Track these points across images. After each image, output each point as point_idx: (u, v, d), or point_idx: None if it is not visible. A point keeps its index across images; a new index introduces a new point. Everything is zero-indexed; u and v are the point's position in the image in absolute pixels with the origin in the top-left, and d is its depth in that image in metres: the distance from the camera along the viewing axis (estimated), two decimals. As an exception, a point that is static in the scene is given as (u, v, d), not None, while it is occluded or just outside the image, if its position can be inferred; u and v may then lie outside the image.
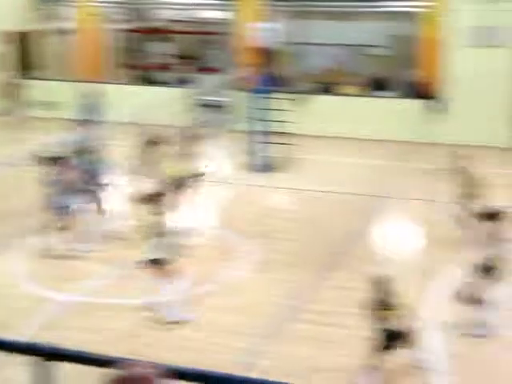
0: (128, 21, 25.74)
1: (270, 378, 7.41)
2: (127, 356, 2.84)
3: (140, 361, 2.39)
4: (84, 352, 2.62)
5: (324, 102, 19.62)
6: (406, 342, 8.27)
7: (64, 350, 2.63)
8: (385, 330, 8.20)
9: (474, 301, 9.26)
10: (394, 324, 8.22)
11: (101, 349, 7.26)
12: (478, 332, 9.28)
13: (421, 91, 18.79)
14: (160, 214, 9.35)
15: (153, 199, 9.43)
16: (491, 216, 9.07)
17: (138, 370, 2.39)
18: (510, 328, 9.35)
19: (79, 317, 9.82)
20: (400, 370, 8.45)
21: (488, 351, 9.04)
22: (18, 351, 2.78)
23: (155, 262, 9.35)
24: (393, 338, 8.24)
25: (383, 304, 8.18)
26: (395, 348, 8.27)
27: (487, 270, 9.13)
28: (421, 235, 12.88)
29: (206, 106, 21.16)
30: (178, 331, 9.52)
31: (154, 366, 2.40)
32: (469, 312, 9.36)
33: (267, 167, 16.56)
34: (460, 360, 8.73)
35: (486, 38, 17.89)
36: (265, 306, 10.25)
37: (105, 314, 9.92)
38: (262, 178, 16.11)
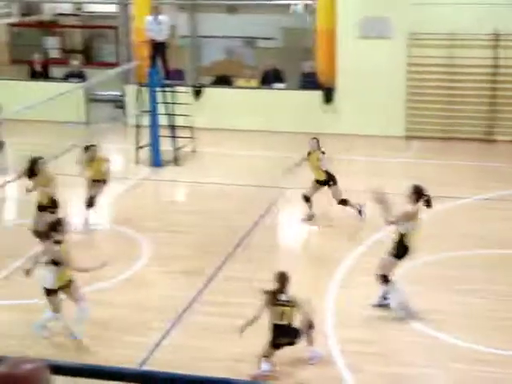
0: (16, 15, 25.05)
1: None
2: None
3: (23, 357, 2.32)
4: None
5: (219, 95, 19.62)
6: (298, 338, 8.36)
7: None
8: (277, 326, 8.30)
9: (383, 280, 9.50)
10: (289, 320, 8.33)
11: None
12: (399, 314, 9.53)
13: (314, 82, 19.06)
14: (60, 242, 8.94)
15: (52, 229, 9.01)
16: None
17: (22, 367, 2.30)
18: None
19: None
20: (294, 363, 8.57)
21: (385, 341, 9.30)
22: None
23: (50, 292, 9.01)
24: (284, 334, 8.35)
25: (278, 299, 8.28)
26: (286, 343, 8.38)
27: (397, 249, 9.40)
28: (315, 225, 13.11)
29: (98, 100, 20.82)
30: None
31: (39, 362, 2.33)
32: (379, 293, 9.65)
33: (164, 161, 16.45)
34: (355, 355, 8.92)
35: (375, 29, 18.30)
36: (163, 299, 10.20)
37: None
38: (159, 173, 16.00)
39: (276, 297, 8.28)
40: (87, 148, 12.98)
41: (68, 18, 24.78)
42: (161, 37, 16.89)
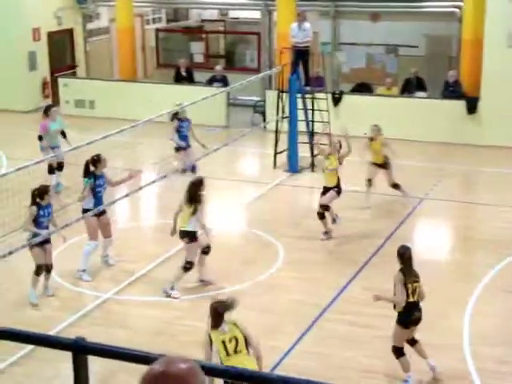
0: (164, 20, 25.92)
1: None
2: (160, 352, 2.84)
3: (177, 356, 2.36)
4: (120, 347, 2.62)
5: (358, 102, 19.48)
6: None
7: (99, 344, 2.63)
8: (409, 303, 8.23)
9: None
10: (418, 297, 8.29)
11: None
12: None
13: (458, 92, 18.59)
14: None
15: None
16: None
17: (177, 366, 2.34)
18: None
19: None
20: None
21: None
22: (56, 346, 2.80)
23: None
24: (416, 309, 8.28)
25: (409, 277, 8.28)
26: (418, 319, 8.31)
27: None
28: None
29: (239, 105, 21.17)
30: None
31: (192, 361, 2.36)
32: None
33: (302, 167, 16.50)
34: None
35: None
36: (296, 304, 10.22)
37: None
38: (296, 178, 16.06)
39: (406, 275, 8.29)
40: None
41: (213, 23, 25.39)
42: (304, 43, 16.97)
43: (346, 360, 8.77)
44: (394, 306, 8.40)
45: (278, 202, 14.90)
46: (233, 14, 25.06)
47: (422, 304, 8.32)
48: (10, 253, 9.30)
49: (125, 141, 16.12)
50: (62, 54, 23.13)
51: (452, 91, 18.74)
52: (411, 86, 19.61)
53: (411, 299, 8.26)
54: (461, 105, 18.40)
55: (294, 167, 16.43)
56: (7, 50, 21.56)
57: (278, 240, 12.49)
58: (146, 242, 12.87)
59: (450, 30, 20.20)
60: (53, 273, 10.70)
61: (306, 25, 17.16)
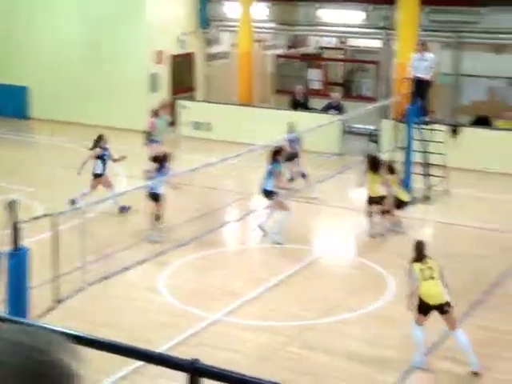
0: (283, 47, 26.20)
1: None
2: (268, 378, 2.82)
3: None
4: (237, 373, 2.63)
5: (477, 135, 19.01)
6: None
7: (216, 368, 2.64)
8: None
9: None
10: None
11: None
12: None
13: None
14: None
15: None
16: None
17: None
18: None
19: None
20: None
21: None
22: (172, 366, 2.82)
23: None
24: None
25: None
26: None
27: None
28: None
29: (353, 133, 21.06)
30: (315, 356, 9.48)
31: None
32: None
33: (415, 199, 16.21)
34: None
35: None
36: (404, 338, 10.00)
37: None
38: (409, 210, 15.78)
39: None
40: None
41: (331, 51, 25.45)
42: (425, 74, 16.71)
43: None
44: None
45: (390, 232, 14.67)
46: (352, 41, 25.06)
47: None
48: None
49: (241, 164, 16.32)
50: (182, 76, 23.73)
51: None
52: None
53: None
54: None
55: (407, 198, 16.14)
56: (131, 71, 22.34)
57: (388, 270, 12.29)
58: (253, 266, 12.95)
59: None
60: (164, 290, 10.94)
61: (428, 55, 16.90)
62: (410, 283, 9.17)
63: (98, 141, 15.10)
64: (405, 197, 14.38)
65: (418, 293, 9.01)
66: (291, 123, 16.15)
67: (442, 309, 8.96)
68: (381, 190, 13.96)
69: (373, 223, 14.09)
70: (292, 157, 15.83)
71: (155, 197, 13.22)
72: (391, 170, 14.30)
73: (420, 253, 9.30)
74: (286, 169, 15.27)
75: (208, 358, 8.17)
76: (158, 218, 13.30)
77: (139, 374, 8.80)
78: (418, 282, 9.02)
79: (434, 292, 8.98)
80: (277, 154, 13.75)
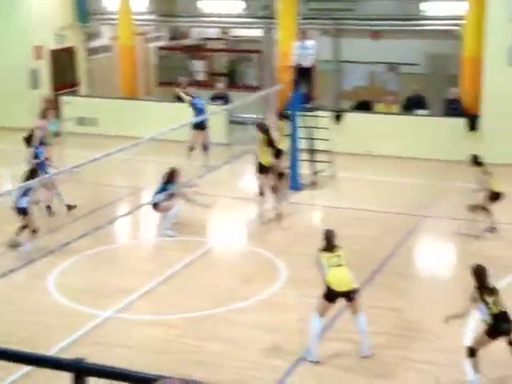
0: (165, 38, 26.03)
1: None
2: (161, 372, 2.80)
3: (176, 378, 2.34)
4: (120, 368, 2.59)
5: (359, 120, 19.51)
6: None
7: (99, 365, 2.60)
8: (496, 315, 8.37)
9: None
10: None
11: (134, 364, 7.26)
12: None
13: (458, 109, 18.61)
14: None
15: None
16: None
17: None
18: None
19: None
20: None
21: None
22: (57, 367, 2.76)
23: None
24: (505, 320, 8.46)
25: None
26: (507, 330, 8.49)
27: None
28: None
29: (240, 123, 21.18)
30: (213, 346, 9.51)
31: (190, 381, 2.34)
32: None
33: (303, 185, 16.48)
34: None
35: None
36: (297, 323, 10.15)
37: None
38: (297, 196, 16.03)
39: (482, 289, 8.45)
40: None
41: (214, 42, 25.48)
42: (306, 62, 17.00)
43: (341, 379, 8.72)
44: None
45: (279, 219, 14.85)
46: (234, 32, 25.17)
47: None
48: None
49: (126, 158, 16.13)
50: (64, 72, 23.18)
51: (453, 109, 18.76)
52: (412, 104, 19.63)
53: (495, 311, 8.37)
54: (461, 122, 18.41)
55: (295, 185, 16.41)
56: (9, 67, 21.65)
57: (279, 257, 12.45)
58: (145, 260, 12.86)
59: (450, 48, 20.24)
60: (54, 290, 10.69)
61: (309, 43, 17.19)
62: (319, 272, 9.09)
63: None
64: (497, 187, 13.39)
65: (326, 280, 8.93)
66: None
67: (349, 296, 8.95)
68: (271, 160, 14.23)
69: (263, 210, 14.29)
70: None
71: (21, 211, 12.53)
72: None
73: (329, 242, 9.20)
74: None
75: (102, 357, 8.08)
76: (34, 231, 12.58)
77: (30, 378, 8.56)
78: (325, 269, 8.97)
79: (341, 279, 8.90)
80: (172, 176, 13.67)
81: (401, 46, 21.08)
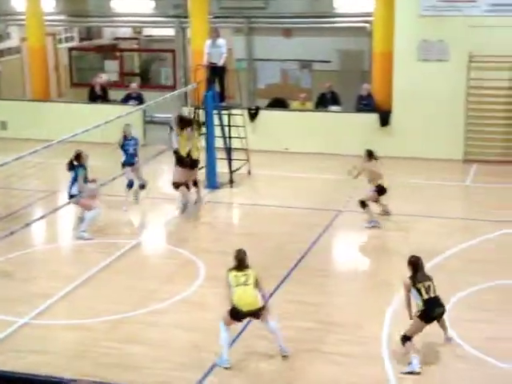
0: (77, 39, 25.63)
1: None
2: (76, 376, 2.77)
3: (87, 380, 2.31)
4: (32, 374, 2.55)
5: (274, 117, 19.65)
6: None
7: (9, 372, 2.56)
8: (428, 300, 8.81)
9: None
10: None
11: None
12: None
13: (371, 105, 18.96)
14: None
15: None
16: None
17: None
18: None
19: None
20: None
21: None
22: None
23: None
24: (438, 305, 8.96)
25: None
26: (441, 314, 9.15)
27: None
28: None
29: (156, 122, 21.02)
30: (132, 348, 9.42)
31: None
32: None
33: (220, 183, 16.50)
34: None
35: (433, 52, 18.13)
36: (218, 321, 10.16)
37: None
38: (215, 194, 16.04)
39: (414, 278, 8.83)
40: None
41: (127, 41, 25.22)
42: (219, 60, 17.03)
43: (272, 372, 8.78)
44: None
45: (197, 218, 14.84)
46: (147, 31, 24.98)
47: None
48: None
49: (38, 161, 15.75)
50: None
51: (365, 105, 19.11)
52: (325, 101, 19.90)
53: (426, 296, 8.75)
54: (374, 118, 18.78)
55: (213, 183, 16.41)
56: None
57: (198, 256, 12.43)
58: (62, 264, 12.64)
59: (361, 44, 20.61)
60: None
61: (220, 41, 17.23)
62: (227, 290, 8.98)
63: None
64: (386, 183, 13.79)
65: (231, 300, 8.86)
66: (127, 125, 15.18)
67: (256, 315, 8.95)
68: (197, 154, 14.64)
69: (184, 207, 14.31)
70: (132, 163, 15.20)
71: None
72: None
73: (240, 262, 9.04)
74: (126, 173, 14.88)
75: (17, 364, 7.87)
76: None
77: None
78: (231, 288, 8.88)
79: (246, 298, 8.83)
80: (78, 159, 13.49)
81: (313, 44, 21.32)
